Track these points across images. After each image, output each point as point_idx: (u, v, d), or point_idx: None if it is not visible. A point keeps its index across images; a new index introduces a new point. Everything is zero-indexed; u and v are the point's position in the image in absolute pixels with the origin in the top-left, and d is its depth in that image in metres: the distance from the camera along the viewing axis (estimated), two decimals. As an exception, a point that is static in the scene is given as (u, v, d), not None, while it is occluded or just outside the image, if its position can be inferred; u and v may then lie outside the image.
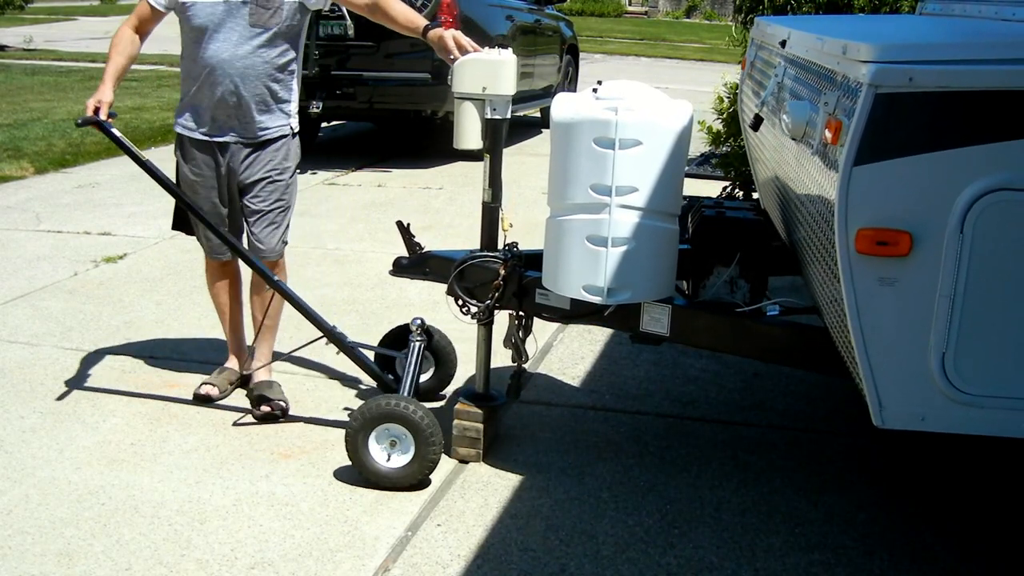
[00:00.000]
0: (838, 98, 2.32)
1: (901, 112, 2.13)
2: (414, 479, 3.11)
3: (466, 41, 3.33)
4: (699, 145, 9.12)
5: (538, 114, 11.09)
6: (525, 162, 8.51)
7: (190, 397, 3.73)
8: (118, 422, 3.58)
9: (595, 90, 2.94)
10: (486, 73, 3.14)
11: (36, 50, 18.00)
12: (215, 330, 4.42)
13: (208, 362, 4.05)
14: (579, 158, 2.89)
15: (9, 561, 2.75)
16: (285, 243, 3.68)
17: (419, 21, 3.52)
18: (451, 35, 3.36)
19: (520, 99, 9.69)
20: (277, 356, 3.78)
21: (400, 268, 3.49)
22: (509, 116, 3.21)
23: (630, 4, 40.34)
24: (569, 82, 11.27)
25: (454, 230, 6.31)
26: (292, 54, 3.52)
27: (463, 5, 8.15)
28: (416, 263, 3.45)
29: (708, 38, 26.42)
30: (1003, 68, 2.11)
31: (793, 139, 2.66)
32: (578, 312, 3.16)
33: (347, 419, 3.18)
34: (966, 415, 2.29)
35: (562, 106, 2.95)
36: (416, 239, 3.48)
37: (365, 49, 7.92)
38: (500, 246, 3.30)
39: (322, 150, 9.22)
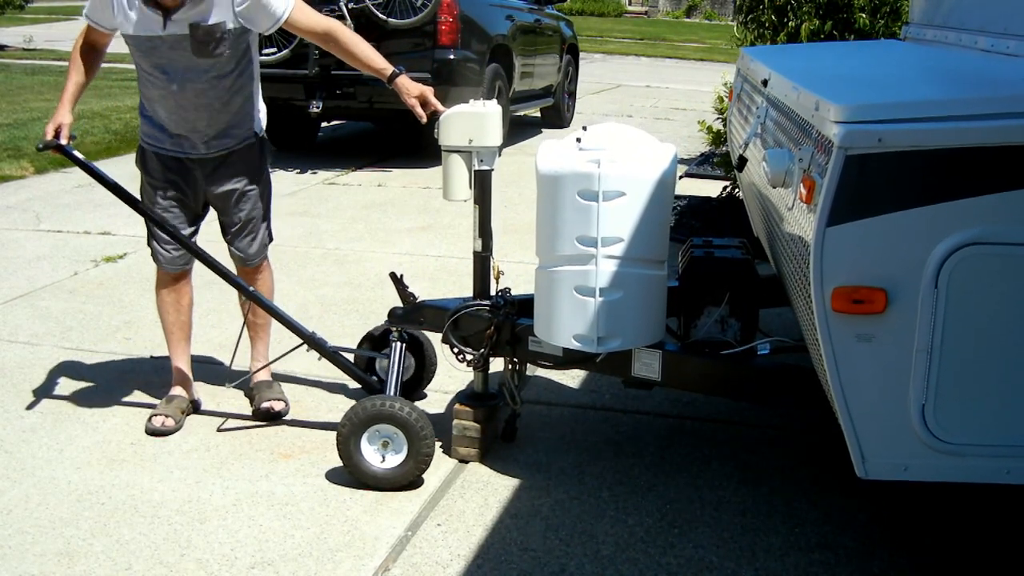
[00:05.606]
0: (812, 154, 2.34)
1: (872, 172, 2.15)
2: (409, 477, 3.11)
3: (434, 100, 3.32)
4: (699, 145, 9.13)
5: (538, 114, 11.10)
6: (525, 162, 8.50)
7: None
8: (118, 422, 3.58)
9: (579, 140, 2.96)
10: (472, 125, 3.16)
11: (36, 50, 18.02)
12: (214, 329, 4.42)
13: (208, 361, 4.05)
14: (564, 210, 2.92)
15: (9, 561, 2.75)
16: (268, 243, 3.65)
17: (383, 65, 3.35)
18: (419, 90, 3.31)
19: (520, 99, 9.72)
20: (259, 367, 3.73)
21: (395, 318, 3.49)
22: (495, 167, 3.22)
23: (630, 4, 40.35)
24: (569, 82, 11.27)
25: (454, 231, 6.31)
26: (249, 68, 3.37)
27: (463, 5, 8.15)
28: (410, 313, 3.47)
29: (708, 38, 26.43)
30: (971, 125, 2.13)
31: (773, 187, 2.67)
32: (571, 359, 3.20)
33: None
34: (948, 464, 2.32)
35: (546, 158, 2.97)
36: (410, 289, 3.48)
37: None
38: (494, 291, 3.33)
39: (322, 150, 9.23)
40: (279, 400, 3.64)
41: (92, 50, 3.41)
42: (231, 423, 3.59)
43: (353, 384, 3.86)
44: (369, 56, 3.36)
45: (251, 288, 3.54)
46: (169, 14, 3.15)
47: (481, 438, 3.31)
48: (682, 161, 8.27)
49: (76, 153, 3.40)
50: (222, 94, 3.33)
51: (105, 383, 3.91)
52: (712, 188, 7.25)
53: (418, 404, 3.72)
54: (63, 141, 3.33)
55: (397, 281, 3.48)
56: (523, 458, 3.36)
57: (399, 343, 3.43)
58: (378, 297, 4.95)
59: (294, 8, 3.27)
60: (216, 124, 3.38)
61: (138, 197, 3.51)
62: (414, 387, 3.76)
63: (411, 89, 3.33)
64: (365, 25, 7.81)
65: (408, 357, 3.71)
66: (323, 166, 8.28)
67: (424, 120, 3.37)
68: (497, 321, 3.25)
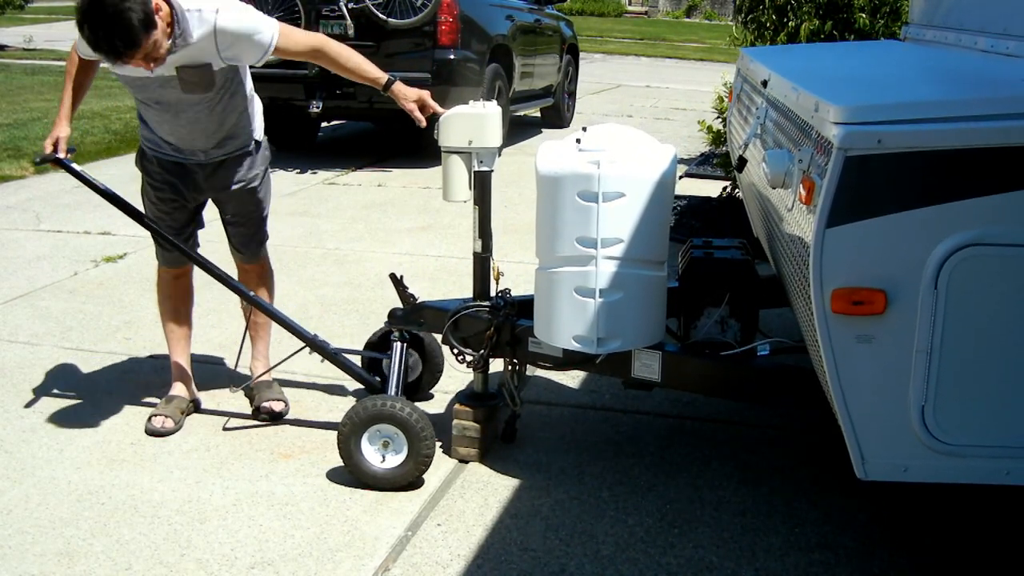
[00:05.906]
0: (812, 155, 2.34)
1: (872, 174, 2.16)
2: (410, 478, 3.11)
3: (432, 103, 3.31)
4: (699, 145, 9.13)
5: (538, 114, 11.10)
6: (525, 162, 8.50)
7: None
8: (118, 422, 3.58)
9: (579, 140, 2.96)
10: (472, 127, 3.16)
11: (36, 50, 18.00)
12: (214, 329, 4.42)
13: (208, 361, 4.05)
14: (564, 211, 2.92)
15: (9, 561, 2.75)
16: (265, 241, 3.66)
17: (377, 74, 3.33)
18: (416, 94, 3.31)
19: (520, 99, 9.72)
20: (263, 372, 3.72)
21: (395, 319, 3.49)
22: (495, 167, 3.22)
23: (630, 4, 40.35)
24: (569, 82, 11.27)
25: (454, 230, 6.31)
26: (240, 88, 3.34)
27: (463, 5, 8.15)
28: (410, 314, 3.47)
29: (708, 38, 26.43)
30: (971, 126, 2.13)
31: (773, 188, 2.67)
32: (571, 360, 3.20)
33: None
34: (947, 465, 2.32)
35: (546, 158, 2.97)
36: (410, 289, 3.48)
37: (365, 49, 7.82)
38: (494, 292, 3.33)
39: (322, 150, 9.23)
40: (279, 400, 3.64)
41: (87, 62, 3.41)
42: (231, 423, 3.59)
43: (353, 384, 3.86)
44: (362, 67, 3.34)
45: (251, 293, 3.55)
46: None
47: (481, 438, 3.31)
48: (682, 161, 8.27)
49: (75, 166, 3.43)
50: (217, 117, 3.33)
51: (105, 383, 3.91)
52: (712, 188, 7.25)
53: (418, 404, 3.73)
54: (61, 155, 3.34)
55: (397, 282, 3.48)
56: (523, 458, 3.36)
57: (400, 343, 3.44)
58: (378, 297, 4.95)
59: (279, 36, 3.21)
60: (213, 139, 3.39)
61: (136, 205, 3.52)
62: (419, 388, 3.76)
63: (408, 94, 3.33)
64: (365, 25, 7.82)
65: (414, 358, 3.71)
66: (323, 166, 8.28)
67: (423, 124, 3.37)
68: (497, 322, 3.25)
